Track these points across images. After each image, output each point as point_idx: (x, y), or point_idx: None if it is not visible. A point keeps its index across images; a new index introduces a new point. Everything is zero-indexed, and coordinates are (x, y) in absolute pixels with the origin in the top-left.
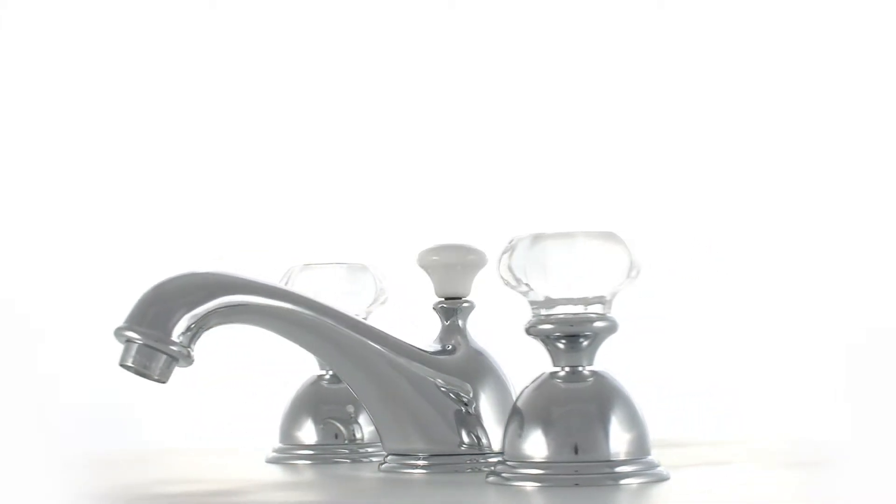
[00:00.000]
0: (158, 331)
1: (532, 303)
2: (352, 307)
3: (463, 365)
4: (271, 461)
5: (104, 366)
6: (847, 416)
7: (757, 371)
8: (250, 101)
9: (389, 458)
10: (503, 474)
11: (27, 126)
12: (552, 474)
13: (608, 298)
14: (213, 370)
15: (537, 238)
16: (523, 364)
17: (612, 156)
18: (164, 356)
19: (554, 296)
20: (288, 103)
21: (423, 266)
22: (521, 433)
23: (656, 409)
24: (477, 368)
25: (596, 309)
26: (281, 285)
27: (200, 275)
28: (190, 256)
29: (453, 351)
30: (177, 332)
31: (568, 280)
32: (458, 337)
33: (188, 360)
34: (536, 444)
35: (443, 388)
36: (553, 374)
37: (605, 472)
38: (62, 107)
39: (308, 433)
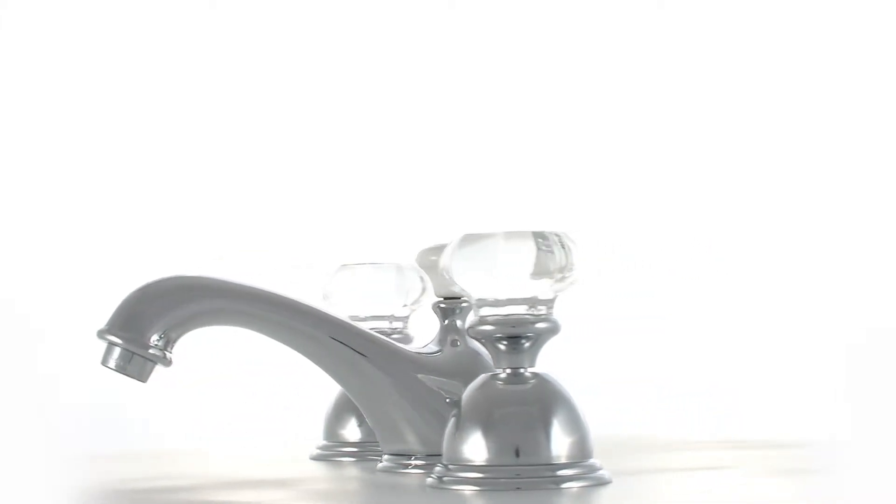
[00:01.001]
0: (136, 335)
1: (475, 303)
2: (390, 307)
3: (458, 365)
4: (315, 458)
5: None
6: (844, 416)
7: (756, 371)
8: (250, 100)
9: (385, 458)
10: (443, 478)
11: (27, 126)
12: (493, 478)
13: (551, 299)
14: (211, 370)
15: (479, 237)
16: None
17: (612, 156)
18: (142, 359)
19: (496, 297)
20: (288, 103)
21: (422, 266)
22: (461, 436)
23: (656, 410)
24: (475, 369)
25: (539, 310)
26: (265, 288)
27: (183, 278)
28: (190, 256)
29: (441, 351)
30: (153, 337)
31: (510, 280)
32: (457, 337)
33: (165, 362)
34: (477, 448)
35: (433, 389)
36: (494, 376)
37: (546, 476)
38: (62, 107)
39: (352, 431)
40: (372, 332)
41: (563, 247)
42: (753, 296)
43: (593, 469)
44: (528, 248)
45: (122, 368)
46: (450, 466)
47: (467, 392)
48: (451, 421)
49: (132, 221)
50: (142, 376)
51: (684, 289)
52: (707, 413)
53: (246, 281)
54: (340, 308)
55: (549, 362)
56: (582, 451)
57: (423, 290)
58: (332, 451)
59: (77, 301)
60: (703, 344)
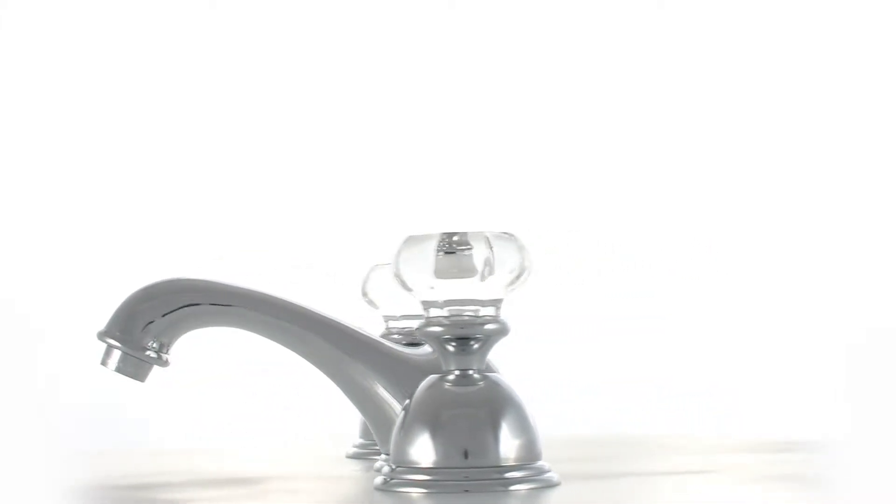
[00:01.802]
0: (133, 337)
1: (423, 304)
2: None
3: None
4: (352, 456)
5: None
6: (843, 417)
7: (755, 371)
8: (250, 100)
9: (384, 457)
10: (390, 480)
11: (27, 126)
12: (441, 480)
13: (500, 301)
14: (211, 370)
15: (428, 238)
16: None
17: (612, 155)
18: (140, 359)
19: (445, 298)
20: (287, 103)
21: None
22: (409, 438)
23: (656, 409)
24: None
25: (489, 311)
26: (259, 290)
27: (180, 281)
28: (189, 257)
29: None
30: (151, 338)
31: (460, 281)
32: None
33: (162, 363)
34: (425, 450)
35: None
36: (443, 378)
37: (494, 478)
38: (63, 107)
39: None
40: (364, 332)
41: (519, 247)
42: (753, 296)
43: (541, 471)
44: (476, 248)
45: (120, 369)
46: (397, 468)
47: (416, 393)
48: (399, 422)
49: (132, 222)
50: (140, 377)
51: (684, 288)
52: (707, 413)
53: (241, 283)
54: (378, 307)
55: (549, 361)
56: (530, 453)
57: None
58: (367, 450)
59: (77, 301)
60: (703, 344)
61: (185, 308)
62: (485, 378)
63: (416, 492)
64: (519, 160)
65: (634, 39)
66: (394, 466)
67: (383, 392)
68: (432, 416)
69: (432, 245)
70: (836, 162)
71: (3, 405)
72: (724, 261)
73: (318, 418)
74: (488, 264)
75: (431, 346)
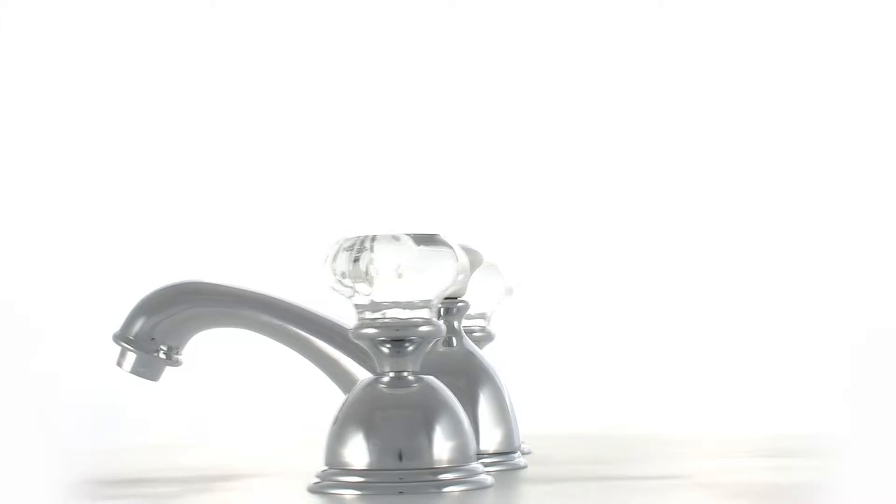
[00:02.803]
0: (146, 339)
1: (357, 306)
2: (481, 304)
3: (449, 365)
4: None
5: (103, 366)
6: (840, 418)
7: (755, 371)
8: (249, 100)
9: None
10: (323, 483)
11: (27, 126)
12: (375, 482)
13: (434, 303)
14: (211, 370)
15: (361, 240)
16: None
17: (611, 155)
18: (153, 360)
19: (379, 300)
20: (287, 102)
21: None
22: (342, 440)
23: (655, 409)
24: (468, 368)
25: (422, 314)
26: (265, 292)
27: (191, 284)
28: (189, 256)
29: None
30: (162, 340)
31: (392, 284)
32: (453, 337)
33: (175, 363)
34: (359, 452)
35: None
36: (377, 380)
37: (428, 480)
38: (62, 107)
39: None
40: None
41: (452, 249)
42: (754, 295)
43: (474, 473)
44: (409, 250)
45: (135, 371)
46: (330, 470)
47: (350, 395)
48: (333, 424)
49: (131, 222)
50: (154, 376)
51: (684, 288)
52: (705, 413)
53: (248, 285)
54: None
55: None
56: (463, 455)
57: (507, 288)
58: None
59: (76, 301)
60: (702, 343)
61: (193, 310)
62: (419, 380)
63: (349, 493)
64: (517, 160)
65: (634, 39)
66: (327, 468)
67: None
68: (367, 418)
69: (370, 247)
70: (835, 162)
71: (3, 405)
72: (724, 261)
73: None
74: (462, 268)
75: (366, 348)
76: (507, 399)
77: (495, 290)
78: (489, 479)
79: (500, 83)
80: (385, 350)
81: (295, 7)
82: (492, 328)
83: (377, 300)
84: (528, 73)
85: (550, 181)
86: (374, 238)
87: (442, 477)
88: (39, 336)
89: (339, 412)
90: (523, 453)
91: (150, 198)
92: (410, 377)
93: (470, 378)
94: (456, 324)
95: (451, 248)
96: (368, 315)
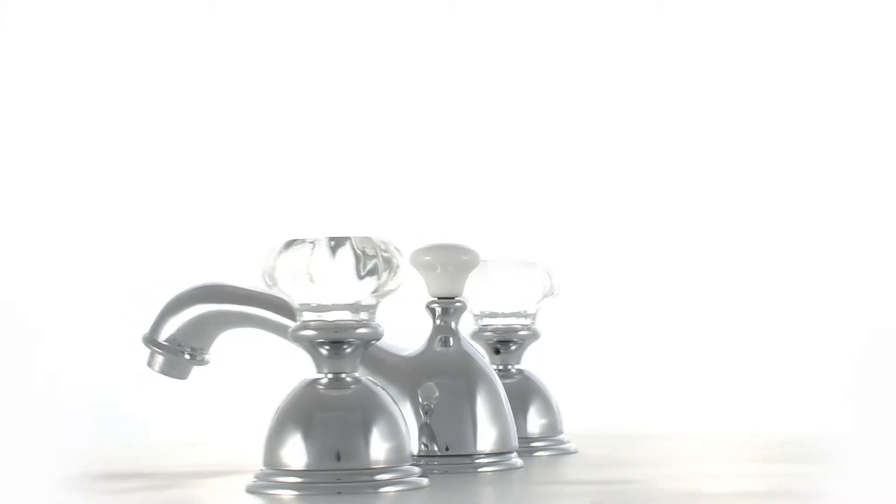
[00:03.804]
0: (173, 341)
1: (298, 308)
2: (520, 303)
3: (446, 365)
4: None
5: (104, 366)
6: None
7: (754, 370)
8: (248, 100)
9: None
10: (261, 483)
11: (27, 126)
12: (314, 482)
13: (374, 305)
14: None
15: (296, 243)
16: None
17: (610, 154)
18: (180, 361)
19: (318, 302)
20: (286, 102)
21: (416, 266)
22: (281, 441)
23: (654, 408)
24: (465, 368)
25: (363, 316)
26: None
27: (215, 287)
28: (188, 256)
29: (424, 352)
30: (185, 341)
31: (332, 286)
32: (450, 337)
33: (201, 362)
34: (297, 452)
35: (404, 390)
36: (315, 381)
37: (365, 480)
38: (62, 107)
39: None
40: None
41: (392, 251)
42: (754, 295)
43: (409, 473)
44: (348, 253)
45: (164, 371)
46: (268, 471)
47: (287, 396)
48: (271, 425)
49: (131, 222)
50: (182, 376)
51: (685, 289)
52: (706, 412)
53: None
54: (470, 304)
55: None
56: (399, 455)
57: (553, 286)
58: None
59: (76, 301)
60: (702, 343)
61: (209, 312)
62: (357, 382)
63: (287, 494)
64: (515, 160)
65: (634, 39)
66: (265, 469)
67: None
68: (305, 419)
69: (307, 249)
70: (835, 162)
71: (3, 405)
72: (724, 260)
73: None
74: (401, 270)
75: (304, 349)
76: (503, 399)
77: (539, 289)
78: (424, 481)
79: (499, 83)
80: (323, 352)
81: (295, 7)
82: (537, 326)
83: (316, 302)
84: (526, 74)
85: (542, 184)
86: (312, 240)
87: (379, 477)
88: (39, 336)
89: (277, 413)
90: (569, 452)
91: (150, 198)
92: (348, 379)
93: (467, 378)
94: (453, 324)
95: (392, 250)
96: (308, 317)
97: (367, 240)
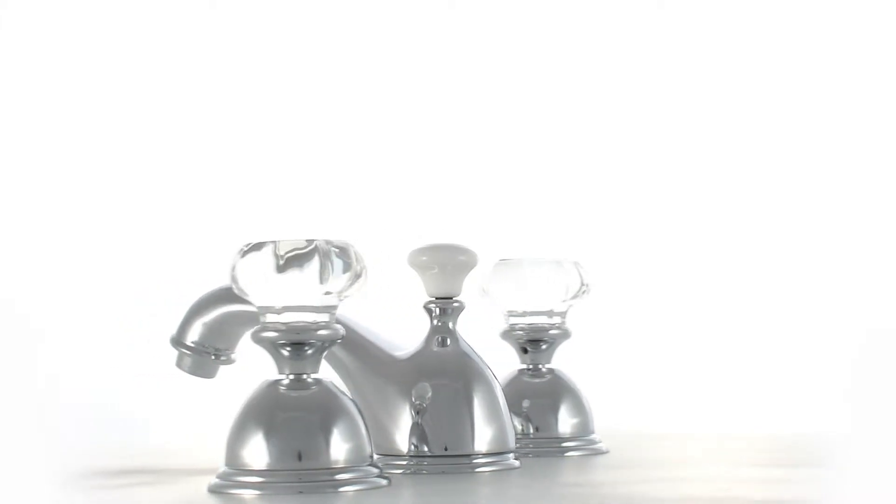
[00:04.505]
0: (200, 342)
1: (259, 309)
2: (549, 302)
3: (442, 365)
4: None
5: (104, 366)
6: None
7: (752, 370)
8: (249, 100)
9: (376, 458)
10: (223, 483)
11: (27, 126)
12: (275, 482)
13: (334, 306)
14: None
15: (259, 246)
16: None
17: (610, 154)
18: (206, 361)
19: (280, 304)
20: (286, 102)
21: (413, 266)
22: (242, 441)
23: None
24: (463, 369)
25: (322, 317)
26: None
27: (227, 290)
28: (188, 256)
29: (420, 352)
30: (208, 342)
31: (294, 288)
32: (446, 337)
33: (227, 361)
34: (259, 452)
35: (395, 391)
36: (277, 382)
37: (326, 480)
38: (62, 106)
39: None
40: (361, 334)
41: (351, 253)
42: (753, 295)
43: (369, 474)
44: (309, 255)
45: (192, 371)
46: (230, 471)
47: (249, 397)
48: (233, 425)
49: (131, 222)
50: (209, 375)
51: (684, 289)
52: (704, 412)
53: None
54: (499, 303)
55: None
56: (359, 455)
57: (583, 284)
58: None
59: (76, 301)
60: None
61: (237, 312)
62: (318, 383)
63: (249, 493)
64: (513, 161)
65: (634, 39)
66: (227, 469)
67: (361, 392)
68: (266, 419)
69: (269, 252)
70: (835, 162)
71: (3, 405)
72: (722, 260)
73: None
74: (360, 272)
75: (266, 350)
76: (501, 399)
77: (570, 287)
78: (383, 481)
79: (497, 83)
80: (285, 353)
81: (294, 7)
82: (568, 325)
83: (278, 304)
84: (526, 74)
85: (540, 184)
86: (268, 244)
87: (339, 477)
88: (39, 336)
89: (239, 413)
90: (601, 452)
91: (150, 198)
92: (309, 380)
93: (465, 379)
94: (451, 324)
95: (351, 252)
96: (269, 318)
97: (330, 242)
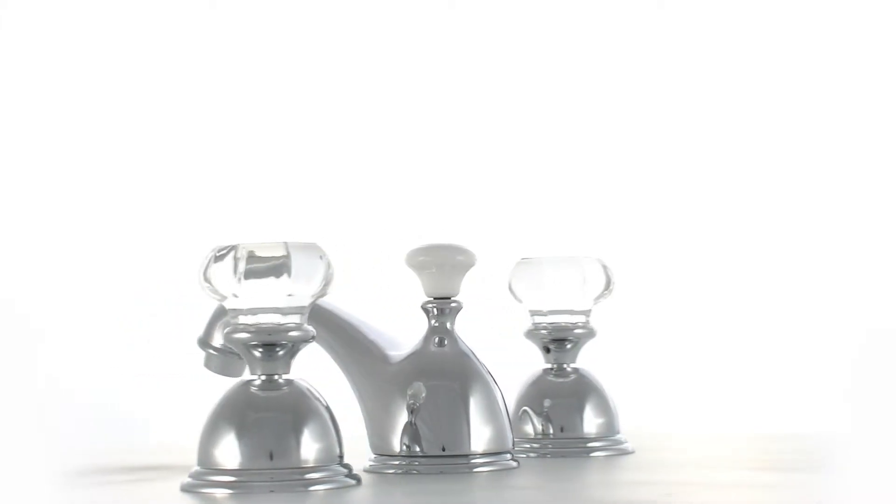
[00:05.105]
0: (226, 343)
1: (231, 311)
2: (573, 301)
3: (439, 365)
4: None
5: (104, 366)
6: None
7: (751, 370)
8: (249, 100)
9: (375, 457)
10: (195, 482)
11: (27, 126)
12: (247, 481)
13: (305, 308)
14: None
15: (229, 249)
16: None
17: (609, 155)
18: (232, 361)
19: (252, 305)
20: (285, 102)
21: (411, 266)
22: (215, 441)
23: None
24: (460, 369)
25: (293, 319)
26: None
27: None
28: (189, 256)
29: (416, 353)
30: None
31: (264, 290)
32: (444, 337)
33: None
34: (231, 452)
35: (389, 391)
36: (249, 382)
37: (297, 479)
38: (62, 106)
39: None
40: (356, 325)
41: (322, 256)
42: (754, 295)
43: (337, 473)
44: (280, 258)
45: (220, 371)
46: (203, 470)
47: (222, 397)
48: (205, 425)
49: (131, 222)
50: (237, 374)
51: (685, 289)
52: (704, 412)
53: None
54: (523, 301)
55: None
56: (329, 455)
57: (608, 283)
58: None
59: (76, 302)
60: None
61: None
62: (289, 383)
63: (221, 492)
64: (512, 161)
65: (634, 39)
66: (200, 468)
67: (360, 392)
68: (239, 419)
69: (240, 255)
70: (835, 162)
71: (3, 405)
72: (722, 260)
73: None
74: (330, 275)
75: (238, 351)
76: (499, 400)
77: (595, 286)
78: (352, 481)
79: (496, 83)
80: (257, 354)
81: (294, 8)
82: (593, 324)
83: (250, 305)
84: (526, 74)
85: (539, 184)
86: (239, 247)
87: (309, 476)
88: (39, 336)
89: (211, 413)
90: (627, 452)
91: (150, 198)
92: (281, 380)
93: (462, 379)
94: (449, 324)
95: (321, 255)
96: (241, 320)
97: (297, 244)
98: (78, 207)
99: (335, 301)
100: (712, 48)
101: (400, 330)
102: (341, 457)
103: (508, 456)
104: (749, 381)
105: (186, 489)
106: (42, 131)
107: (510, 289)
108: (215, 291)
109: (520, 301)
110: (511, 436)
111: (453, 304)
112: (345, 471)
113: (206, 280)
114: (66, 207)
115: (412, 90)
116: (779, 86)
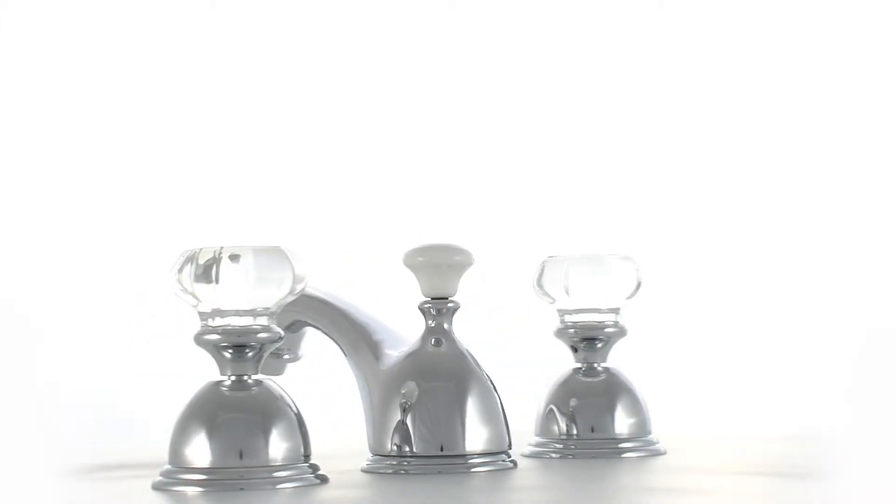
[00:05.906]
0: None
1: (201, 314)
2: (601, 299)
3: (437, 365)
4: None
5: (104, 367)
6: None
7: (751, 370)
8: (249, 99)
9: (372, 458)
10: (167, 480)
11: (27, 126)
12: (217, 479)
13: (274, 310)
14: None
15: (199, 252)
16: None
17: (609, 155)
18: (276, 360)
19: (222, 307)
20: (285, 101)
21: (409, 266)
22: (186, 440)
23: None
24: (458, 369)
25: (261, 321)
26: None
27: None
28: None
29: (414, 353)
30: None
31: (232, 293)
32: (441, 337)
33: (295, 359)
34: (202, 451)
35: (386, 391)
36: (219, 383)
37: (265, 477)
38: (62, 106)
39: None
40: (364, 324)
41: (290, 260)
42: (754, 295)
43: (306, 471)
44: (249, 262)
45: (262, 371)
46: (174, 468)
47: (192, 397)
48: (176, 425)
49: (132, 221)
50: (278, 372)
51: (685, 290)
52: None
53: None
54: (548, 299)
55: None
56: (295, 454)
57: (637, 282)
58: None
59: (78, 302)
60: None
61: (299, 311)
62: (258, 384)
63: (192, 490)
64: (511, 161)
65: (634, 39)
66: (171, 467)
67: (362, 391)
68: (209, 419)
69: (208, 258)
70: (835, 162)
71: (3, 405)
72: (723, 260)
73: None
74: (299, 278)
75: (208, 352)
76: (497, 400)
77: (627, 284)
78: (320, 478)
79: (496, 83)
80: (227, 355)
81: (293, 8)
82: (623, 323)
83: (220, 308)
84: (525, 74)
85: (538, 185)
86: (215, 250)
87: (277, 474)
88: (39, 336)
89: (182, 413)
90: (659, 453)
91: (150, 197)
92: (250, 381)
93: (458, 379)
94: (446, 325)
95: (289, 259)
96: (211, 322)
97: (263, 248)
98: (77, 208)
99: (349, 297)
100: (711, 49)
101: (408, 329)
102: (307, 456)
103: (506, 456)
104: (781, 379)
105: (157, 487)
106: (42, 131)
107: (538, 286)
108: (185, 292)
109: (552, 300)
110: (508, 436)
111: (450, 305)
112: (311, 470)
113: (177, 281)
114: (65, 208)
115: (417, 89)
116: (776, 86)
